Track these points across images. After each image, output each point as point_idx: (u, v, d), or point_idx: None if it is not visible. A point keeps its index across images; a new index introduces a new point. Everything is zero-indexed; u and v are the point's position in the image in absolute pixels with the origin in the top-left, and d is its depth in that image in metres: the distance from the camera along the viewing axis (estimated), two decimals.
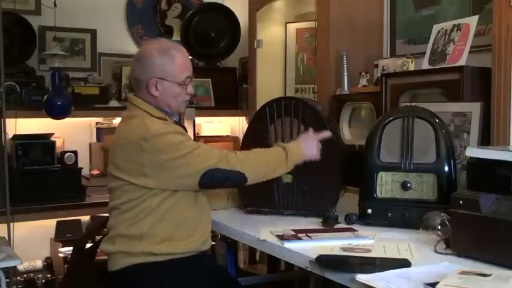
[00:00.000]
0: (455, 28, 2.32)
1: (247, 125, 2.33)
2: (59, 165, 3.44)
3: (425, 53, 2.43)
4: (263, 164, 1.98)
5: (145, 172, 1.87)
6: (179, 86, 1.98)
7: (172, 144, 1.87)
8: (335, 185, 2.12)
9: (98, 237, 2.64)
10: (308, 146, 2.02)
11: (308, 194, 2.11)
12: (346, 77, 2.80)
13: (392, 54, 2.90)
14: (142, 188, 1.89)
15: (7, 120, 3.19)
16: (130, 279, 1.91)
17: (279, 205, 2.14)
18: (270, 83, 3.55)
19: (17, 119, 3.32)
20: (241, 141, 4.19)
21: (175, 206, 1.92)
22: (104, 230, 2.14)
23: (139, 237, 1.90)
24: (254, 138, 2.18)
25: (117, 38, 4.09)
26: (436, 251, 1.57)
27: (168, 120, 1.97)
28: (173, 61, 1.96)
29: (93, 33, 3.98)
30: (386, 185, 1.90)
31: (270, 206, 2.14)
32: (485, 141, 2.08)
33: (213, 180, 1.90)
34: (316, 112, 2.13)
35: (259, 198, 2.14)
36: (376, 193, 1.91)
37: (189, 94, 2.04)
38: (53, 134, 3.51)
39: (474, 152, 1.71)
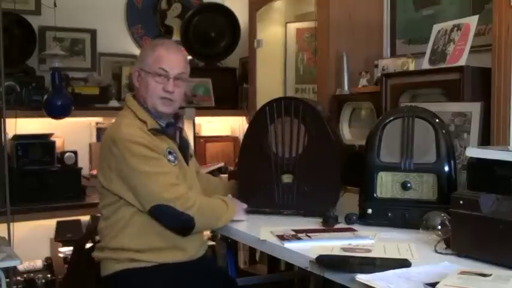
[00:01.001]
0: (455, 28, 2.32)
1: (247, 125, 2.33)
2: (59, 165, 3.44)
3: (425, 53, 2.43)
4: (211, 214, 1.94)
5: (111, 175, 1.87)
6: (151, 76, 1.96)
7: (136, 156, 1.84)
8: (335, 185, 2.11)
9: (97, 237, 2.65)
10: (239, 208, 2.04)
11: (308, 194, 2.10)
12: (346, 77, 2.80)
13: (393, 54, 2.90)
14: (112, 195, 1.89)
15: (7, 120, 3.19)
16: (120, 283, 1.92)
17: (279, 205, 2.13)
18: (270, 83, 3.55)
19: (17, 119, 3.32)
20: (241, 141, 4.21)
21: (151, 219, 1.89)
22: None
23: (122, 249, 1.90)
24: (254, 138, 2.18)
25: (117, 38, 4.09)
26: (436, 251, 1.57)
27: (148, 124, 1.93)
28: (152, 53, 1.99)
29: (93, 33, 3.98)
30: (386, 185, 1.90)
31: (270, 206, 2.14)
32: (485, 141, 2.08)
33: (162, 215, 1.86)
34: (317, 112, 2.13)
35: (259, 198, 2.13)
36: (376, 193, 1.91)
37: (167, 91, 1.97)
38: (53, 134, 3.51)
39: (474, 152, 1.71)
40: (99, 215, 2.10)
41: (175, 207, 1.84)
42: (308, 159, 2.10)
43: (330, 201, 2.08)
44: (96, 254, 2.02)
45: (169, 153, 1.96)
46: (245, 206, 2.09)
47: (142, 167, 1.83)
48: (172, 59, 2.00)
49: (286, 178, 2.13)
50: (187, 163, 2.08)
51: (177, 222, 1.88)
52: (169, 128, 2.04)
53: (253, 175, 2.14)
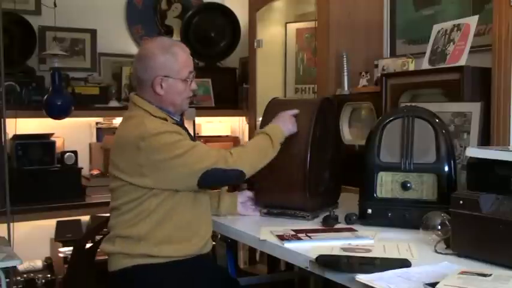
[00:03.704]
0: (455, 28, 2.32)
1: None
2: (59, 165, 3.44)
3: (425, 53, 2.43)
4: (256, 155, 2.00)
5: (143, 172, 1.87)
6: (183, 82, 1.99)
7: (167, 144, 1.86)
8: (336, 185, 2.12)
9: (98, 237, 2.65)
10: (285, 123, 2.06)
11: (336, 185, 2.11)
12: (346, 77, 2.80)
13: (392, 54, 2.90)
14: (142, 188, 1.88)
15: (7, 120, 3.19)
16: (129, 280, 1.91)
17: (324, 203, 2.13)
18: (270, 83, 3.54)
19: (17, 119, 3.31)
20: (241, 141, 4.20)
21: (174, 207, 1.90)
22: (104, 229, 2.14)
23: (138, 239, 1.89)
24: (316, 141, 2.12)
25: (117, 38, 4.08)
26: (436, 251, 1.57)
27: (168, 120, 1.96)
28: (176, 58, 1.97)
29: (93, 33, 3.98)
30: (386, 185, 1.90)
31: (323, 205, 2.12)
32: (485, 141, 2.08)
33: (212, 180, 1.91)
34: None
35: (320, 200, 2.12)
36: (376, 193, 1.91)
37: (192, 90, 2.04)
38: (53, 134, 3.51)
39: (474, 152, 1.71)
40: (105, 215, 2.08)
41: (219, 168, 1.89)
42: (335, 155, 2.11)
43: (332, 201, 2.09)
44: (105, 247, 1.99)
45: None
46: (284, 116, 2.09)
47: (177, 151, 1.86)
48: (190, 57, 2.04)
49: (326, 175, 2.13)
50: None
51: (228, 180, 1.97)
52: (181, 121, 2.08)
53: (317, 177, 2.12)
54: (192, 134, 3.65)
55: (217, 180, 1.92)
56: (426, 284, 1.26)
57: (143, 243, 1.89)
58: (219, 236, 2.98)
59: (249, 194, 2.21)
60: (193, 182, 1.88)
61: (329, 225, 1.91)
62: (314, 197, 2.03)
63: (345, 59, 2.79)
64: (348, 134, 2.82)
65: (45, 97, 3.34)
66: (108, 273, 1.97)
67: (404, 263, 1.41)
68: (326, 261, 1.47)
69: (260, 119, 2.32)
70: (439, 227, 1.63)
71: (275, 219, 2.05)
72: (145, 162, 1.86)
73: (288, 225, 1.92)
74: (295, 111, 2.11)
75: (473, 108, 2.08)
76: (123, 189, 1.93)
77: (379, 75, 2.58)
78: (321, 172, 2.14)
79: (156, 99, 1.97)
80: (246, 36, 3.77)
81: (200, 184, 1.89)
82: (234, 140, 4.20)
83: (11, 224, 3.09)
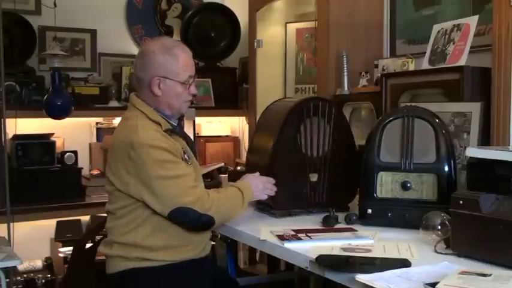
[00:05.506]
0: (455, 28, 2.32)
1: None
2: (59, 165, 3.44)
3: (425, 53, 2.43)
4: (228, 208, 1.92)
5: (127, 179, 1.85)
6: (182, 85, 1.95)
7: (155, 161, 1.82)
8: (353, 182, 2.13)
9: (98, 237, 2.65)
10: (256, 186, 2.00)
11: (333, 191, 2.13)
12: (346, 77, 2.80)
13: (392, 54, 2.90)
14: (129, 197, 1.87)
15: (7, 120, 3.19)
16: (127, 282, 1.91)
17: (309, 203, 2.12)
18: (270, 83, 3.55)
19: (17, 119, 3.32)
20: (241, 141, 4.21)
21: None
22: (104, 230, 2.14)
23: (134, 245, 1.88)
24: (287, 140, 2.13)
25: (117, 38, 4.09)
26: (436, 251, 1.57)
27: (162, 125, 1.92)
28: (176, 60, 1.93)
29: (93, 33, 3.98)
30: (386, 185, 1.90)
31: (300, 205, 2.12)
32: (485, 141, 2.08)
33: (183, 218, 1.84)
34: (341, 113, 2.14)
35: (291, 199, 2.12)
36: (376, 193, 1.91)
37: (192, 94, 2.00)
38: (53, 134, 3.51)
39: (474, 152, 1.71)
40: (105, 215, 2.08)
41: (195, 209, 1.83)
42: (333, 157, 2.13)
43: (350, 199, 2.12)
44: (103, 249, 1.98)
45: (184, 152, 1.95)
46: (259, 179, 2.03)
47: (162, 171, 1.82)
48: (191, 60, 2.00)
49: (312, 177, 2.13)
50: (196, 157, 2.08)
51: (197, 224, 1.87)
52: (178, 126, 2.05)
53: (287, 176, 2.12)
54: (192, 135, 3.66)
55: (186, 220, 1.85)
56: (426, 284, 1.26)
57: (140, 249, 1.88)
58: (219, 236, 2.98)
59: (256, 174, 2.08)
60: (165, 211, 1.83)
61: (329, 225, 1.91)
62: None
63: (345, 59, 2.79)
64: None
65: (45, 97, 3.34)
66: (107, 275, 1.97)
67: (404, 263, 1.41)
68: (326, 261, 1.47)
69: None
70: (439, 227, 1.63)
71: (275, 219, 2.05)
72: (133, 171, 1.84)
73: (288, 225, 1.91)
74: (273, 181, 2.04)
75: (473, 108, 2.08)
76: (115, 194, 1.92)
77: (379, 75, 2.58)
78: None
79: (153, 100, 1.95)
80: (246, 36, 3.77)
81: (170, 217, 1.84)
82: (234, 140, 4.20)
83: (11, 224, 3.10)
